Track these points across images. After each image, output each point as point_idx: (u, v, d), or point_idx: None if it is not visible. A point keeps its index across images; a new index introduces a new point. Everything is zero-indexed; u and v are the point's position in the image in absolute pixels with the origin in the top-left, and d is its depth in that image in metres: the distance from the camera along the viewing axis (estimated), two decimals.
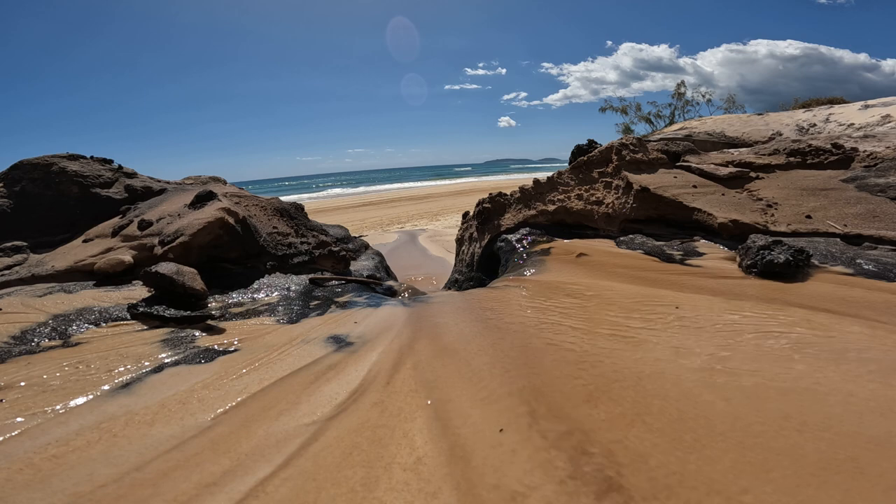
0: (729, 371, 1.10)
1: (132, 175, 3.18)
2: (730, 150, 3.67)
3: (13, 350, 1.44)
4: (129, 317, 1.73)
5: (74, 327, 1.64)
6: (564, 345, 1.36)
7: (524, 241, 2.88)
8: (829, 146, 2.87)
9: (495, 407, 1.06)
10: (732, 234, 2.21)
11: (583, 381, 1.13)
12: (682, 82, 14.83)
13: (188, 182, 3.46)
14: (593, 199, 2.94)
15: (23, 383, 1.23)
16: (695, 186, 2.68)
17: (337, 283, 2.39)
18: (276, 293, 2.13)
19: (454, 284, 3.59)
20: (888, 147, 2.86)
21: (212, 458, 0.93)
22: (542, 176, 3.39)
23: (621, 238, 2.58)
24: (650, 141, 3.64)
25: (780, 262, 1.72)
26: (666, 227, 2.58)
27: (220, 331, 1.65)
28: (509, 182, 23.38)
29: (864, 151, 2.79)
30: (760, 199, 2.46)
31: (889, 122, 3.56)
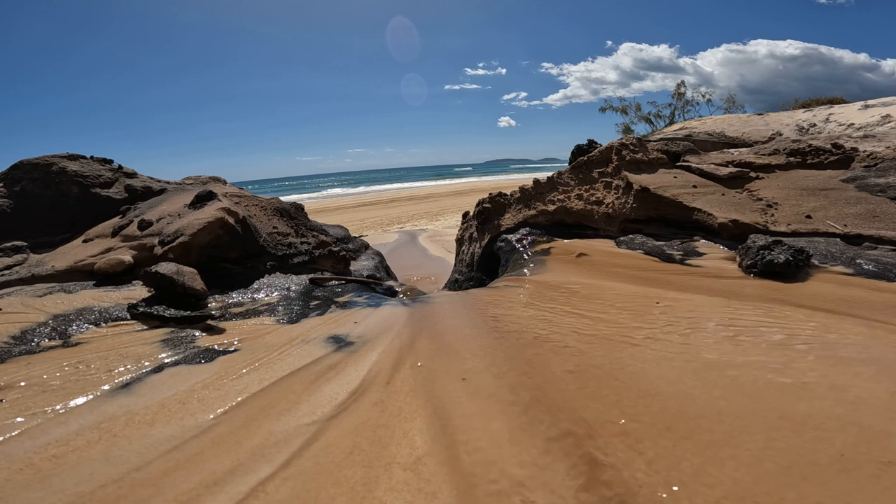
0: (728, 371, 1.10)
1: (132, 175, 3.18)
2: (730, 150, 3.67)
3: (13, 350, 1.44)
4: (129, 317, 1.73)
5: (74, 327, 1.64)
6: (564, 345, 1.36)
7: (524, 241, 2.88)
8: (829, 146, 2.87)
9: (495, 407, 1.06)
10: (732, 234, 2.21)
11: (583, 382, 1.13)
12: (682, 82, 14.82)
13: (188, 182, 3.46)
14: (593, 199, 2.94)
15: (23, 383, 1.23)
16: (695, 186, 2.68)
17: (337, 283, 2.39)
18: (276, 293, 2.13)
19: (454, 284, 3.59)
20: (888, 147, 2.86)
21: (212, 458, 0.93)
22: (542, 176, 3.39)
23: (621, 238, 2.58)
24: (650, 141, 3.64)
25: (780, 262, 1.72)
26: (666, 227, 2.58)
27: (220, 331, 1.65)
28: (509, 182, 23.38)
29: (864, 151, 2.79)
30: (760, 199, 2.46)
31: (889, 122, 3.56)
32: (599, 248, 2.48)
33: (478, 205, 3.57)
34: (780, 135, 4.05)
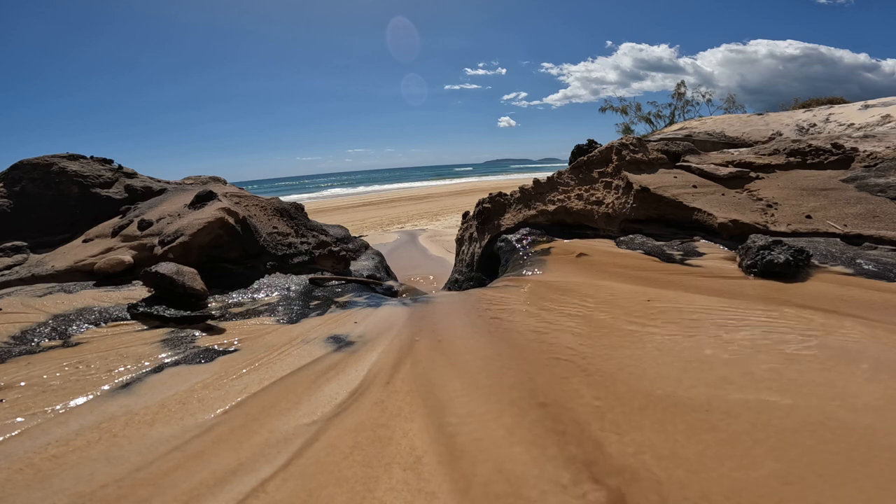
0: (725, 369, 1.10)
1: (132, 175, 3.18)
2: (730, 150, 3.67)
3: (13, 350, 1.44)
4: (129, 317, 1.73)
5: (74, 327, 1.64)
6: (564, 345, 1.36)
7: (524, 241, 2.88)
8: (829, 146, 2.87)
9: (495, 406, 1.06)
10: (732, 234, 2.21)
11: (582, 382, 1.13)
12: (682, 82, 14.82)
13: (188, 182, 3.46)
14: (593, 199, 2.94)
15: (23, 383, 1.23)
16: (695, 186, 2.68)
17: (337, 283, 2.39)
18: (276, 293, 2.13)
19: (454, 284, 3.59)
20: (888, 147, 2.86)
21: (213, 458, 0.93)
22: (542, 176, 3.39)
23: (621, 238, 2.58)
24: (650, 141, 3.64)
25: (780, 262, 1.72)
26: (666, 227, 2.58)
27: (220, 331, 1.65)
28: (509, 182, 23.38)
29: (864, 151, 2.79)
30: (760, 199, 2.46)
31: (889, 122, 3.56)
32: (599, 248, 2.48)
33: (478, 205, 3.57)
34: (780, 135, 4.05)
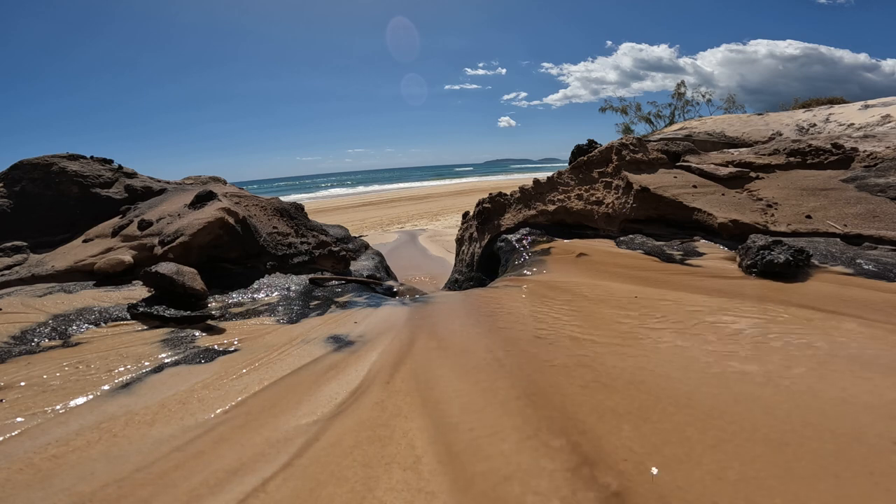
0: (723, 369, 1.10)
1: (132, 175, 3.18)
2: (730, 150, 3.67)
3: (13, 350, 1.44)
4: (129, 317, 1.73)
5: (74, 327, 1.64)
6: (565, 345, 1.36)
7: (524, 241, 2.88)
8: (829, 146, 2.87)
9: (494, 406, 1.06)
10: (732, 234, 2.21)
11: (581, 381, 1.13)
12: (682, 82, 14.81)
13: (188, 182, 3.46)
14: (593, 199, 2.94)
15: (23, 383, 1.23)
16: (695, 186, 2.68)
17: (337, 283, 2.39)
18: (276, 293, 2.13)
19: (454, 284, 3.59)
20: (888, 147, 2.86)
21: (213, 458, 0.93)
22: (542, 176, 3.39)
23: (621, 238, 2.58)
24: (650, 141, 3.64)
25: (780, 262, 1.72)
26: (666, 227, 2.58)
27: (220, 331, 1.65)
28: (509, 182, 23.38)
29: (864, 151, 2.79)
30: (760, 199, 2.46)
31: (889, 122, 3.56)
32: (599, 248, 2.48)
33: (478, 205, 3.57)
34: (780, 135, 4.05)
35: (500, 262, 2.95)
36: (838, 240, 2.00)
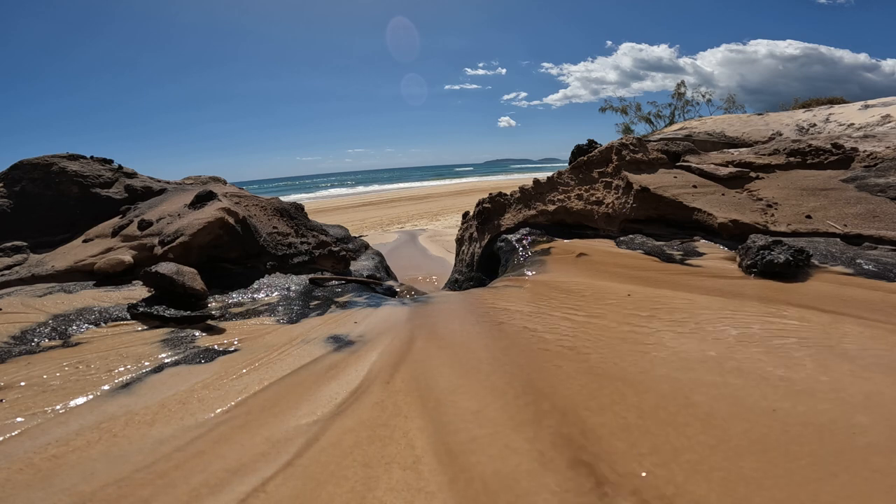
0: (721, 368, 1.10)
1: (132, 175, 3.18)
2: (730, 150, 3.67)
3: (13, 350, 1.44)
4: (129, 317, 1.73)
5: (74, 327, 1.64)
6: (564, 346, 1.36)
7: (524, 241, 2.88)
8: (829, 146, 2.87)
9: (494, 407, 1.06)
10: (732, 234, 2.21)
11: (581, 383, 1.13)
12: (682, 82, 14.81)
13: (188, 182, 3.46)
14: (593, 199, 2.94)
15: (23, 383, 1.23)
16: (695, 186, 2.68)
17: (337, 283, 2.39)
18: (276, 293, 2.13)
19: (454, 284, 3.59)
20: (888, 147, 2.86)
21: (213, 458, 0.93)
22: (542, 176, 3.39)
23: (621, 238, 2.58)
24: (650, 141, 3.64)
25: (780, 262, 1.72)
26: (666, 227, 2.58)
27: (220, 331, 1.65)
28: (509, 182, 23.38)
29: (864, 151, 2.79)
30: (760, 199, 2.46)
31: (889, 122, 3.56)
32: (599, 248, 2.48)
33: (478, 205, 3.57)
34: (780, 135, 4.05)
35: (500, 262, 2.95)
36: (838, 240, 2.00)
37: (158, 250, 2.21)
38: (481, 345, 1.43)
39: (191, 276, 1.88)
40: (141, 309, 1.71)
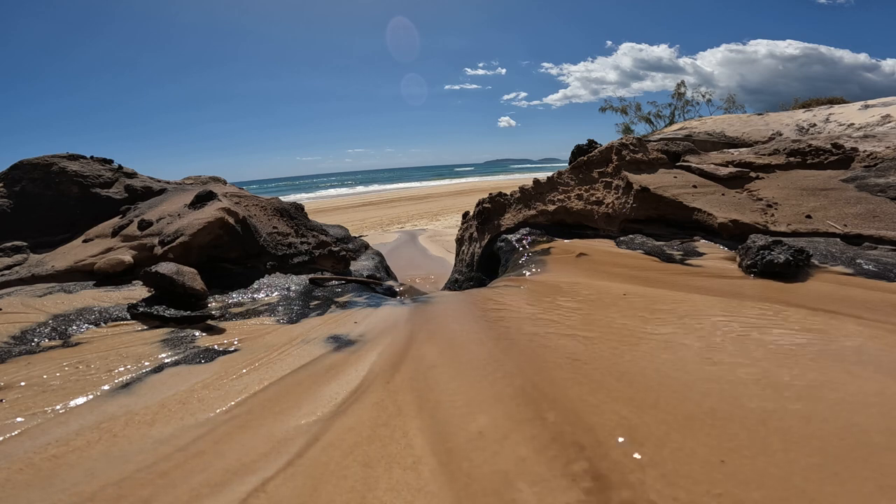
0: (720, 368, 1.10)
1: (132, 175, 3.18)
2: (730, 150, 3.67)
3: (13, 350, 1.44)
4: (129, 317, 1.73)
5: (74, 327, 1.64)
6: (563, 346, 1.36)
7: (524, 241, 2.88)
8: (829, 146, 2.87)
9: (494, 406, 1.06)
10: (732, 234, 2.21)
11: (581, 384, 1.13)
12: (682, 82, 14.83)
13: (188, 182, 3.46)
14: (593, 199, 2.94)
15: (23, 383, 1.23)
16: (695, 186, 2.68)
17: (337, 283, 2.39)
18: (276, 293, 2.13)
19: (454, 284, 3.59)
20: (888, 147, 2.86)
21: (213, 458, 0.93)
22: (542, 176, 3.39)
23: (621, 238, 2.58)
24: (650, 141, 3.64)
25: (780, 262, 1.72)
26: (666, 227, 2.58)
27: (220, 331, 1.65)
28: (509, 182, 23.38)
29: (864, 151, 2.79)
30: (760, 199, 2.46)
31: (889, 122, 3.56)
32: (599, 248, 2.48)
33: (478, 205, 3.57)
34: (780, 135, 4.05)
35: (500, 262, 2.95)
36: (838, 240, 2.00)
37: (158, 250, 2.21)
38: (481, 345, 1.43)
39: (191, 276, 1.88)
40: (141, 309, 1.71)
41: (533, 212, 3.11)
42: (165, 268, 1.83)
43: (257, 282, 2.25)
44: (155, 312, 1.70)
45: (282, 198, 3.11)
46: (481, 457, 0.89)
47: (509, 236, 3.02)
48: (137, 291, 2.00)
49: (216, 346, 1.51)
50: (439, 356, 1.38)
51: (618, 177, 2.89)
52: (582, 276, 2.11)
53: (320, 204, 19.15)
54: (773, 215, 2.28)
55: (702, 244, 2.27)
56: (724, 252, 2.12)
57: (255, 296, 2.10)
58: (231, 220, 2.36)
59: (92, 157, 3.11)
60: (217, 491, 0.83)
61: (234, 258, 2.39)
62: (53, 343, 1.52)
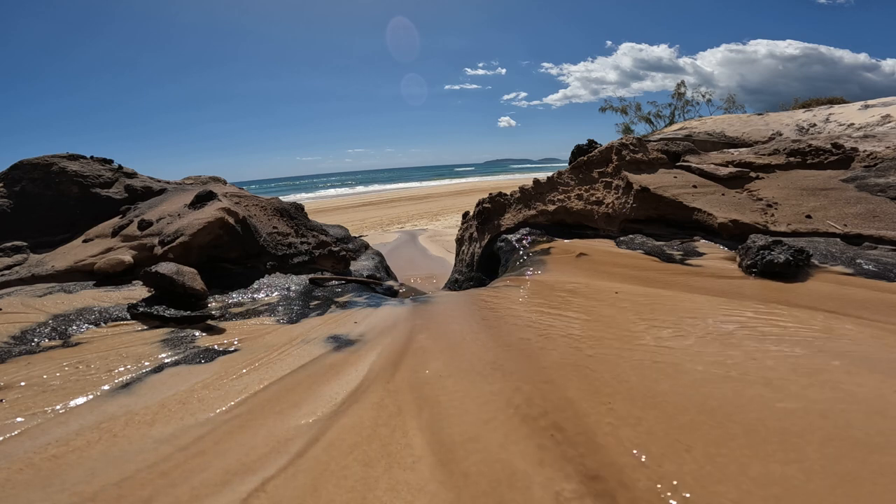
0: (719, 368, 1.10)
1: (132, 175, 3.18)
2: (730, 150, 3.67)
3: (13, 350, 1.44)
4: (129, 317, 1.73)
5: (74, 327, 1.64)
6: (563, 346, 1.36)
7: (524, 241, 2.88)
8: (829, 146, 2.87)
9: (494, 406, 1.06)
10: (732, 234, 2.21)
11: (580, 384, 1.13)
12: (682, 82, 14.81)
13: (188, 182, 3.46)
14: (593, 199, 2.94)
15: (23, 383, 1.23)
16: (695, 186, 2.68)
17: (337, 283, 2.39)
18: (276, 293, 2.13)
19: (454, 284, 3.59)
20: (888, 147, 2.86)
21: (213, 459, 0.93)
22: (542, 176, 3.39)
23: (621, 238, 2.58)
24: (650, 141, 3.64)
25: (780, 262, 1.72)
26: (666, 227, 2.58)
27: (220, 331, 1.65)
28: (509, 182, 23.39)
29: (864, 151, 2.79)
30: (760, 199, 2.46)
31: (889, 122, 3.56)
32: (599, 248, 2.48)
33: (478, 205, 3.57)
34: (780, 135, 4.05)
35: (500, 262, 2.95)
36: (838, 240, 2.00)
37: (158, 250, 2.21)
38: (481, 345, 1.43)
39: (191, 276, 1.88)
40: (141, 309, 1.71)
41: (533, 212, 3.11)
42: (165, 268, 1.83)
43: (257, 282, 2.25)
44: (155, 312, 1.70)
45: (282, 198, 3.11)
46: (481, 456, 0.89)
47: (509, 236, 3.02)
48: (137, 291, 2.00)
49: (216, 346, 1.51)
50: (439, 356, 1.38)
51: (618, 177, 2.89)
52: (582, 276, 2.11)
53: (320, 204, 19.15)
54: (773, 215, 2.28)
55: (702, 244, 2.27)
56: (724, 252, 2.12)
57: (255, 296, 2.10)
58: (231, 220, 2.36)
59: (92, 157, 3.11)
60: (217, 491, 0.83)
61: (234, 258, 2.39)
62: (53, 343, 1.52)
